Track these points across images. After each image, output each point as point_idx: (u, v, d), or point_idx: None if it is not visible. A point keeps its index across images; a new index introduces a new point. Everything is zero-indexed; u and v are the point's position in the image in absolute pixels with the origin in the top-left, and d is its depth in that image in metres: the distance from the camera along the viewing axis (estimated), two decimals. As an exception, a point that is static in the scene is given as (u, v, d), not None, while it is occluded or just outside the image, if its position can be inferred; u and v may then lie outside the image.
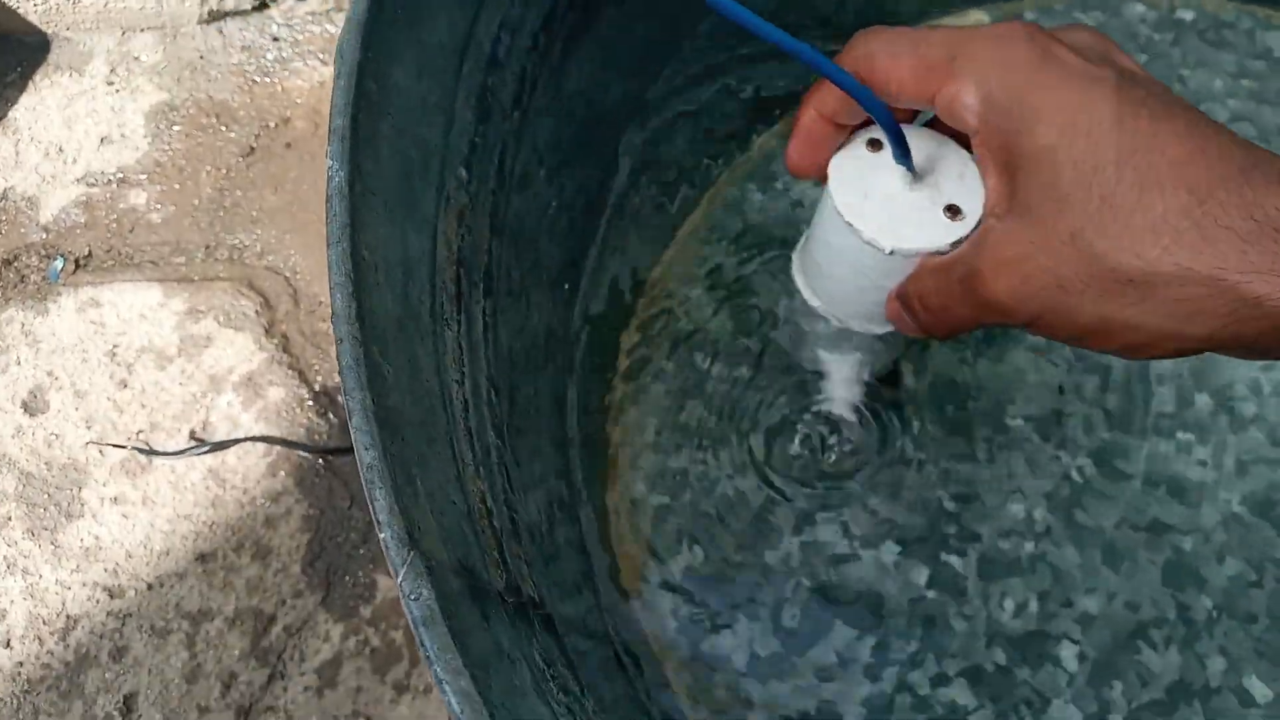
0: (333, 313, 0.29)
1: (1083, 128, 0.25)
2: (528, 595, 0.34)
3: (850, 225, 0.32)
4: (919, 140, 0.33)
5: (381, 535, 0.25)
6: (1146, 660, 0.44)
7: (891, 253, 0.32)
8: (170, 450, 0.61)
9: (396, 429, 0.28)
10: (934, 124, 0.33)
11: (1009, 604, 0.46)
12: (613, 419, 0.51)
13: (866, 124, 0.34)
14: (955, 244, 0.31)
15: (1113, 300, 0.25)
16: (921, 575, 0.46)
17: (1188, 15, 0.59)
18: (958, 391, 0.49)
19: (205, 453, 0.61)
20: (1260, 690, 0.44)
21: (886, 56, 0.29)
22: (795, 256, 0.39)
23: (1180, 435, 0.48)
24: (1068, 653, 0.44)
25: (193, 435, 0.62)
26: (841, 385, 0.47)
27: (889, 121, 0.30)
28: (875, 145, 0.33)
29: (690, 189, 0.56)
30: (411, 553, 0.25)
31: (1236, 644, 0.44)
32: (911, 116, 0.33)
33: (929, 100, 0.29)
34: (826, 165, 0.33)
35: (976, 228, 0.30)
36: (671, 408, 0.51)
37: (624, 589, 0.48)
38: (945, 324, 0.31)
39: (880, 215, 0.32)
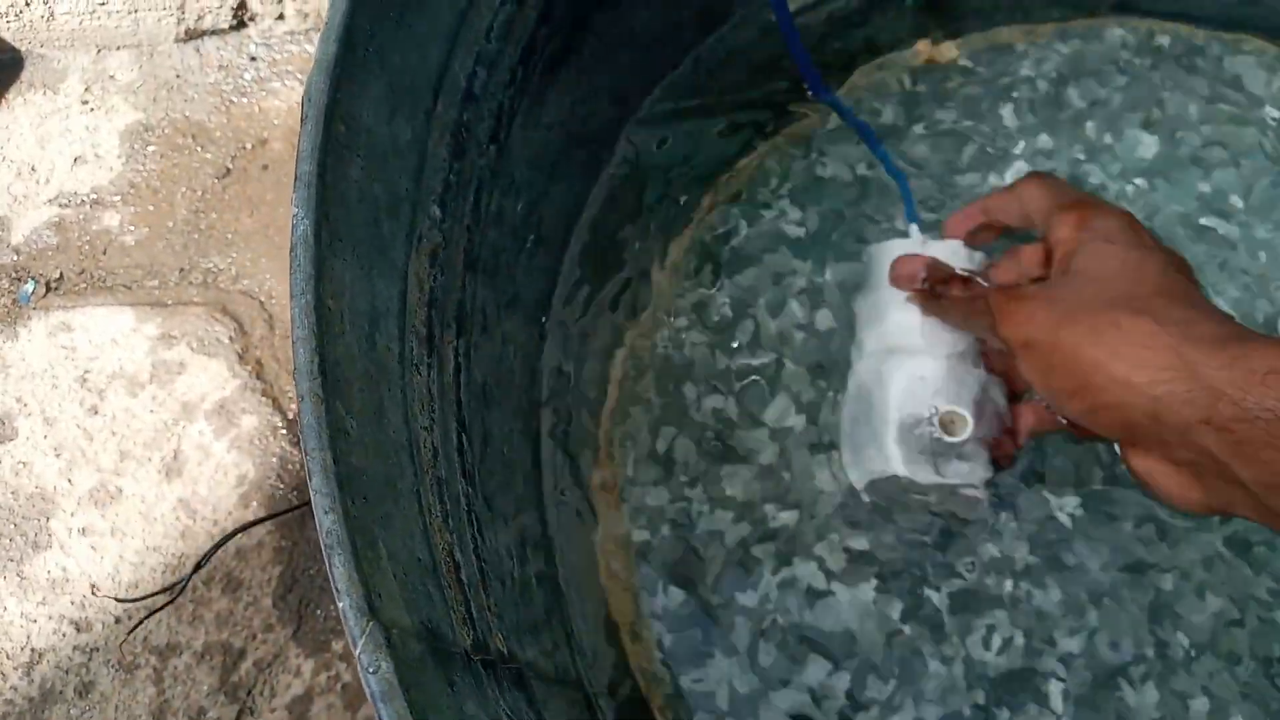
0: (295, 368, 0.28)
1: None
2: (496, 650, 0.33)
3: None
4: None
5: (340, 604, 0.25)
6: (1129, 701, 0.44)
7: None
8: (136, 596, 0.58)
9: (359, 488, 0.28)
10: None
11: (991, 643, 0.45)
12: (592, 452, 0.50)
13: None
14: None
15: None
16: (899, 612, 0.46)
17: (1164, 41, 0.59)
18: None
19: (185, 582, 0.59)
20: None
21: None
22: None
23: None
24: (1054, 689, 0.44)
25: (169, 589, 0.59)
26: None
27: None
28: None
29: (674, 216, 0.55)
30: (370, 623, 0.24)
31: (1221, 685, 0.44)
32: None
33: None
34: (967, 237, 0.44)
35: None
36: (655, 441, 0.50)
37: (603, 628, 0.47)
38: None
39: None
